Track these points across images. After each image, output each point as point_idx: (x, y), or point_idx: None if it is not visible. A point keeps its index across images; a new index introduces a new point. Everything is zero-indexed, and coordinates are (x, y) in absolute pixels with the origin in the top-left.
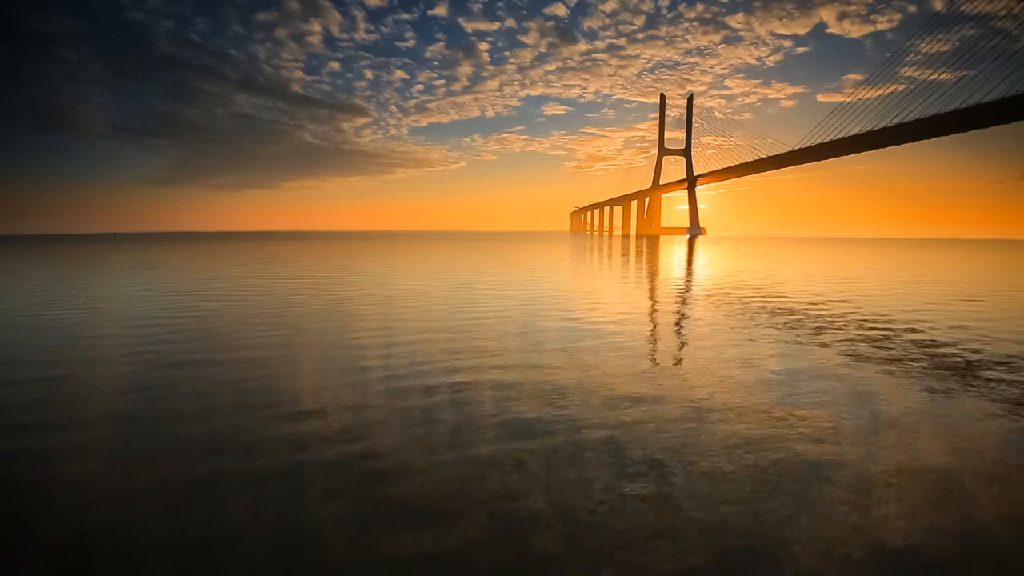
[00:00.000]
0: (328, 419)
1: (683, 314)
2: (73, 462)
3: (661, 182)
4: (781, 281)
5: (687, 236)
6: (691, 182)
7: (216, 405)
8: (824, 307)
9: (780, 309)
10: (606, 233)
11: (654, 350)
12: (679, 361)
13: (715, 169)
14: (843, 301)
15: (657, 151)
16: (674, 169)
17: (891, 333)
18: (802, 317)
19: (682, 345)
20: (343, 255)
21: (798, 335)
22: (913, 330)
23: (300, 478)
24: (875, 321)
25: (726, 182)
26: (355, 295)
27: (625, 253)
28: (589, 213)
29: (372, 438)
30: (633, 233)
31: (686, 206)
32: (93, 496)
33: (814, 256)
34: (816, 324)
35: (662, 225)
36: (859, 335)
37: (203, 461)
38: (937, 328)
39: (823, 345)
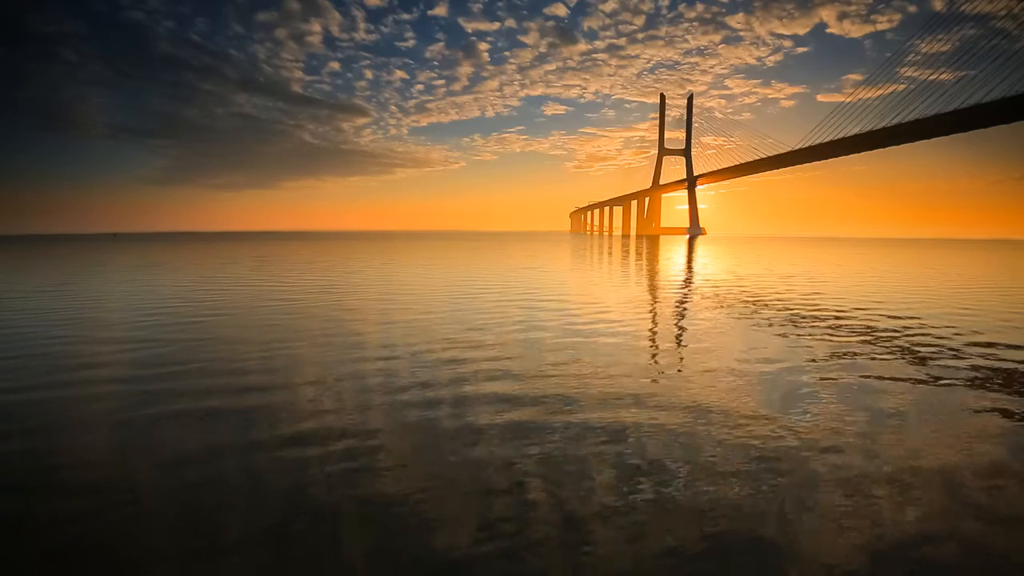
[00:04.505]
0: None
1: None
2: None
3: (661, 182)
4: (819, 287)
5: (687, 236)
6: (691, 182)
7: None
8: (886, 323)
9: (854, 329)
10: (606, 233)
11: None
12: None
13: (715, 169)
14: (914, 317)
15: (657, 151)
16: (674, 169)
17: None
18: (897, 343)
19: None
20: (371, 256)
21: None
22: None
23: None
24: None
25: (726, 182)
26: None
27: (635, 254)
28: (589, 213)
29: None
30: (633, 233)
31: (686, 206)
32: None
33: (826, 256)
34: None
35: (662, 225)
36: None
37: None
38: None
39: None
